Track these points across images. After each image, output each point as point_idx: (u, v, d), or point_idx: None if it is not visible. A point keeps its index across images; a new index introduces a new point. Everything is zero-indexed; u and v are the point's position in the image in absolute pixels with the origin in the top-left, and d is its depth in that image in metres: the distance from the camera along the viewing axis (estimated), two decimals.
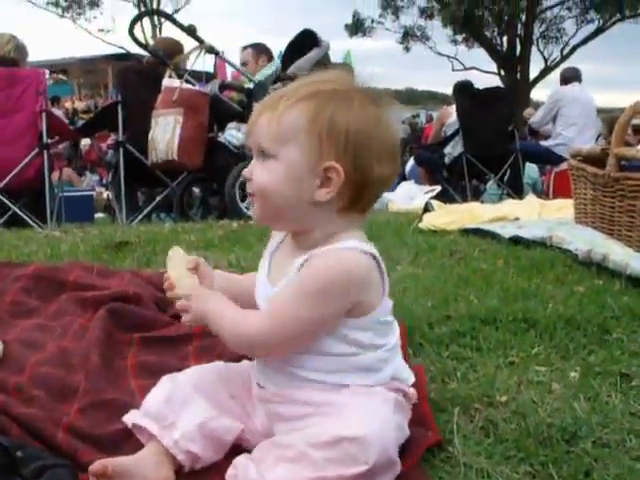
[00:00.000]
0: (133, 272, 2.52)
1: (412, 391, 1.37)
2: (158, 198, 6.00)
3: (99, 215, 8.96)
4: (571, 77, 8.09)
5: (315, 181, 1.22)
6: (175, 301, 1.35)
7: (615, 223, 2.99)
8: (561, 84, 8.23)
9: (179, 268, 1.37)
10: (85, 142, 11.78)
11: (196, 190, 6.09)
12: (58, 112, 9.46)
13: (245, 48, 6.36)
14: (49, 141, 5.57)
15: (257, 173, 1.26)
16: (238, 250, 3.21)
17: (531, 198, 5.62)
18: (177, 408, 1.28)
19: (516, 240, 3.34)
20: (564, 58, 23.58)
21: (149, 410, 1.30)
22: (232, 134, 5.83)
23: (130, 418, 1.32)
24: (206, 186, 6.03)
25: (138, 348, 1.83)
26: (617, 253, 2.67)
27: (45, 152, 5.50)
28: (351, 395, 1.24)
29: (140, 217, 5.88)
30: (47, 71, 10.52)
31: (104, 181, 10.42)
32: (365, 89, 1.30)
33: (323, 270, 1.21)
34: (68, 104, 14.94)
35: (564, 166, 7.00)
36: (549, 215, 4.26)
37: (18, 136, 5.47)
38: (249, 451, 1.25)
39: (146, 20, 25.08)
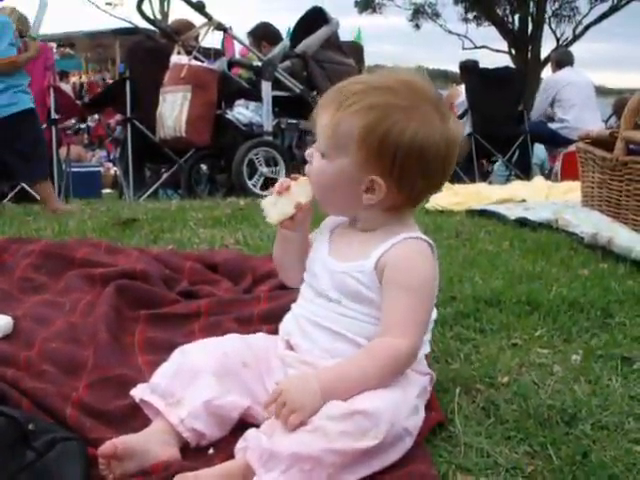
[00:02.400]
0: (140, 249, 2.54)
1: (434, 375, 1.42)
2: (165, 175, 6.02)
3: (106, 191, 8.98)
4: (564, 61, 8.04)
5: (361, 186, 1.30)
6: (264, 214, 1.40)
7: (622, 207, 2.99)
8: (554, 69, 8.18)
9: (297, 196, 1.38)
10: (93, 118, 11.78)
11: (203, 167, 6.09)
12: (66, 87, 9.45)
13: (249, 35, 6.32)
14: (57, 117, 5.58)
15: (315, 162, 1.34)
16: (245, 228, 3.24)
17: (538, 180, 5.61)
18: (184, 384, 1.30)
19: (522, 222, 3.35)
20: (576, 37, 23.26)
21: (157, 385, 1.32)
22: (240, 111, 5.81)
23: (138, 393, 1.35)
24: (214, 163, 6.03)
25: (145, 325, 1.85)
26: (623, 237, 2.67)
27: (53, 128, 5.52)
28: None
29: (147, 193, 5.90)
30: (54, 45, 10.49)
31: (111, 157, 10.42)
32: (433, 101, 1.31)
33: (415, 263, 1.31)
34: (75, 78, 14.89)
35: (572, 148, 6.98)
36: (556, 197, 4.26)
37: None
38: (256, 426, 1.27)
39: None
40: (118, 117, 7.17)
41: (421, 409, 1.30)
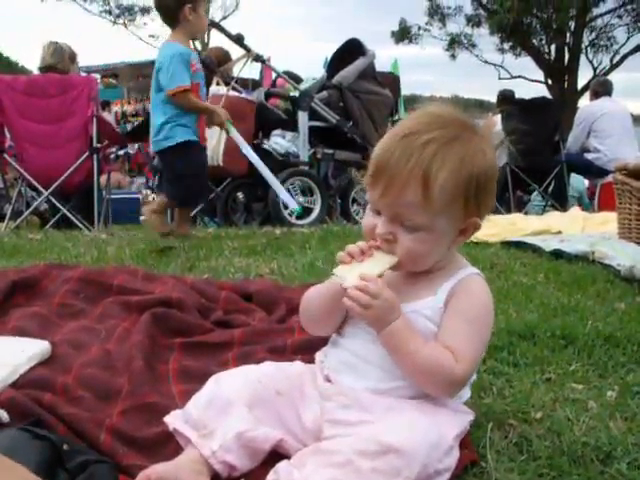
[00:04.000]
0: (177, 277, 2.58)
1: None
2: (203, 203, 6.09)
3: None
4: (601, 91, 7.99)
5: (456, 232, 1.36)
6: (346, 287, 1.31)
7: None
8: (591, 98, 8.13)
9: (381, 264, 1.34)
10: (133, 146, 12.02)
11: (240, 196, 6.16)
12: (108, 116, 9.67)
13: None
14: (99, 145, 5.71)
15: (405, 241, 1.32)
16: (280, 257, 3.26)
17: (575, 211, 5.56)
18: (217, 414, 1.31)
19: (558, 254, 3.32)
20: (614, 67, 23.13)
21: (190, 415, 1.34)
22: (277, 141, 5.89)
23: (171, 421, 1.36)
24: (250, 192, 6.10)
25: (180, 353, 1.88)
26: None
27: (95, 156, 5.65)
28: (415, 409, 1.29)
29: None
30: (98, 76, 10.76)
31: (150, 184, 10.59)
32: (473, 126, 1.37)
33: (477, 296, 1.36)
34: (117, 107, 15.23)
35: (609, 179, 6.90)
36: (592, 229, 4.22)
37: (70, 140, 5.65)
38: (286, 457, 1.28)
39: None
40: None
41: (456, 449, 1.28)
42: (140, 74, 17.73)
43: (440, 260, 1.38)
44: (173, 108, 4.06)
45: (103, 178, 6.23)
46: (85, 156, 5.60)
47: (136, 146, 12.20)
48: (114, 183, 8.43)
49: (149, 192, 10.46)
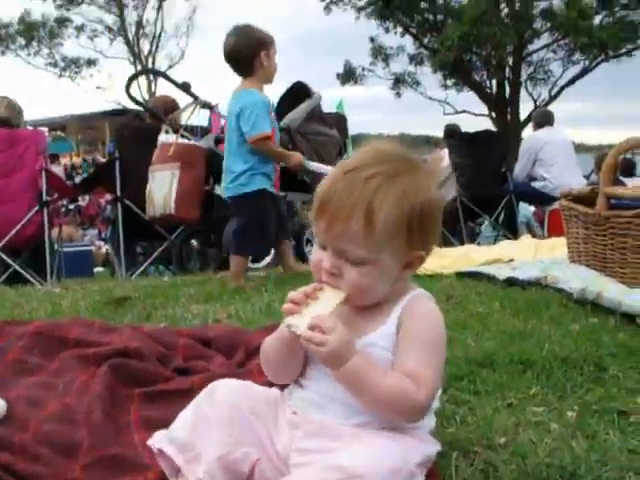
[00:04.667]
0: (134, 327, 2.54)
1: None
2: (157, 252, 6.05)
3: (98, 269, 9.00)
4: (543, 121, 8.27)
5: (401, 266, 1.35)
6: (293, 329, 1.29)
7: (608, 260, 3.03)
8: (534, 128, 8.40)
9: (330, 302, 1.32)
10: (84, 198, 11.90)
11: (194, 242, 6.13)
12: (57, 169, 9.58)
13: None
14: (48, 199, 5.65)
15: (350, 275, 1.31)
16: (237, 302, 3.24)
17: (526, 238, 5.69)
18: (201, 435, 1.31)
19: (512, 282, 3.37)
20: (552, 98, 23.96)
21: (176, 437, 1.34)
22: None
23: (157, 442, 1.36)
24: (204, 238, 6.08)
25: (140, 403, 1.84)
26: (611, 290, 2.70)
27: (45, 209, 5.58)
28: (381, 436, 1.28)
29: (139, 271, 5.92)
30: (46, 129, 10.68)
31: (103, 235, 10.48)
32: (418, 161, 1.38)
33: (426, 316, 1.36)
34: (66, 160, 15.12)
35: (556, 205, 7.09)
36: (544, 254, 4.31)
37: (19, 194, 5.58)
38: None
39: (142, 77, 25.64)
40: (108, 196, 7.26)
41: (420, 477, 1.28)
42: (88, 126, 17.69)
43: (389, 291, 1.37)
44: (254, 155, 4.13)
45: (54, 231, 6.14)
46: (35, 210, 5.53)
47: (87, 198, 12.09)
48: (66, 236, 8.32)
49: (102, 244, 10.35)
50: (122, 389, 1.90)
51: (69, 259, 6.77)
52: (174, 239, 5.83)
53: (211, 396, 1.37)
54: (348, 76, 25.48)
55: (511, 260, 4.15)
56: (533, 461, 1.44)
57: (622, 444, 1.51)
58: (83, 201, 12.32)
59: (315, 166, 4.62)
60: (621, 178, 7.35)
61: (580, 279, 2.96)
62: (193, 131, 5.94)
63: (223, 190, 4.38)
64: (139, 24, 30.69)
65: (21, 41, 29.62)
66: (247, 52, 4.15)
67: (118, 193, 5.92)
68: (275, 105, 6.83)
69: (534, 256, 4.38)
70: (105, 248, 9.18)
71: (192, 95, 5.72)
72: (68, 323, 2.53)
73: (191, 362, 2.17)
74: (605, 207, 3.02)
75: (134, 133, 6.17)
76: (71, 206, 11.68)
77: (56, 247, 6.07)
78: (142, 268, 5.96)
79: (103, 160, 13.24)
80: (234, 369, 2.09)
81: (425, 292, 1.41)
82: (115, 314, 3.08)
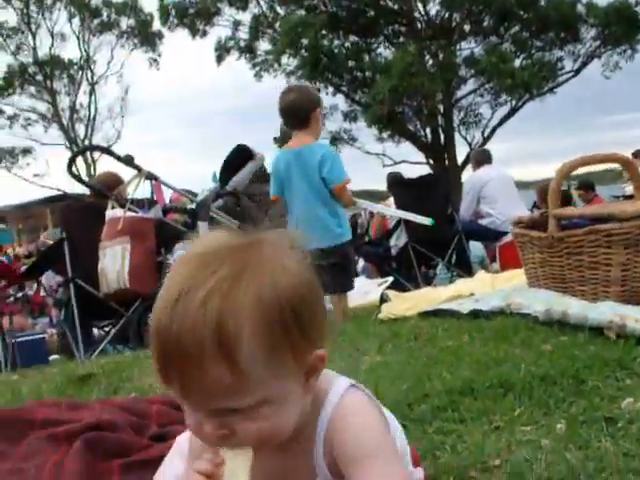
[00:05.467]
0: (103, 401, 2.46)
1: None
2: (114, 329, 5.91)
3: (54, 357, 8.72)
4: (482, 160, 8.51)
5: (302, 381, 1.06)
6: None
7: (567, 280, 3.09)
8: (474, 168, 8.63)
9: (240, 469, 1.04)
10: (31, 287, 11.60)
11: (151, 316, 6.01)
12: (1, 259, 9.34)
13: None
14: None
15: (245, 428, 1.02)
16: None
17: (481, 274, 5.75)
18: None
19: (476, 314, 3.39)
20: (486, 140, 24.73)
21: None
22: (180, 254, 5.84)
23: None
24: None
25: (120, 475, 1.76)
26: (575, 307, 2.75)
27: None
28: None
29: (98, 351, 5.76)
30: None
31: (54, 322, 10.20)
32: (268, 240, 1.06)
33: (361, 427, 1.09)
34: (10, 250, 14.80)
35: (506, 239, 7.24)
36: (502, 285, 4.36)
37: None
38: None
39: (79, 160, 25.59)
40: (58, 279, 7.09)
41: None
42: (28, 215, 17.42)
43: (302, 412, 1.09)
44: (336, 202, 4.42)
45: (5, 321, 5.96)
46: None
47: (34, 287, 11.79)
48: (17, 327, 8.07)
49: (54, 331, 10.05)
50: (100, 463, 1.82)
51: (23, 349, 6.55)
52: (131, 314, 5.70)
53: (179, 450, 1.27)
54: (284, 139, 25.81)
55: (472, 294, 4.19)
56: (531, 478, 1.42)
57: (616, 449, 1.51)
58: (31, 289, 12.01)
59: (366, 204, 5.33)
60: None
61: (543, 301, 2.99)
62: (139, 204, 5.90)
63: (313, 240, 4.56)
64: (72, 109, 30.81)
65: None
66: (306, 107, 4.43)
67: (69, 274, 5.80)
68: (216, 175, 6.88)
69: (493, 288, 4.42)
70: (58, 334, 8.92)
71: (136, 167, 5.70)
72: (33, 405, 2.42)
73: (167, 428, 2.09)
74: (557, 229, 3.09)
75: (80, 212, 6.09)
76: (19, 295, 11.37)
77: (7, 338, 5.89)
78: (101, 347, 5.80)
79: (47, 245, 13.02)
80: None
81: (344, 384, 1.13)
82: (81, 392, 2.97)
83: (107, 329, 6.26)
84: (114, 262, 5.33)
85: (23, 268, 11.14)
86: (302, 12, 23.77)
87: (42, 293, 11.14)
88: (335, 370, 1.17)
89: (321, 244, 4.32)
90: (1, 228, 16.45)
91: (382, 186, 9.30)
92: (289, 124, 4.62)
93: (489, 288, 4.48)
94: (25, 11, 29.70)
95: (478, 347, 2.72)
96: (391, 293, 4.77)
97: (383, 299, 4.60)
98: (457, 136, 24.59)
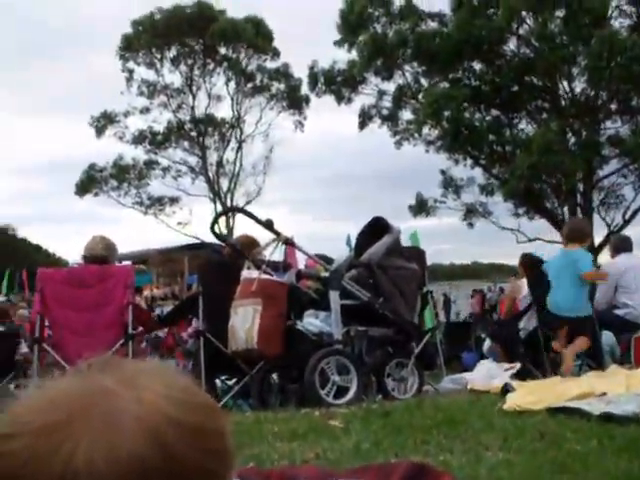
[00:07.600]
0: None
1: None
2: (237, 386, 6.09)
3: None
4: (621, 248, 8.18)
5: None
6: None
7: None
8: (612, 254, 8.29)
9: None
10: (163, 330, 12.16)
11: (274, 377, 6.15)
12: (139, 300, 9.89)
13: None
14: (134, 332, 5.83)
15: None
16: (324, 441, 3.19)
17: (615, 368, 5.48)
18: None
19: (607, 417, 3.25)
20: (626, 222, 23.68)
21: None
22: (310, 321, 5.96)
23: None
24: (285, 373, 6.09)
25: None
26: None
27: (130, 342, 5.75)
28: None
29: (220, 405, 5.94)
30: (130, 263, 11.16)
31: (180, 367, 10.60)
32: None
33: None
34: (147, 292, 15.63)
35: None
36: (637, 387, 4.14)
37: (106, 328, 5.80)
38: None
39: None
40: (190, 330, 7.42)
41: None
42: (168, 259, 18.37)
43: None
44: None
45: None
46: (120, 343, 5.70)
47: (166, 329, 12.34)
48: None
49: None
50: None
51: None
52: (255, 374, 5.86)
53: None
54: (420, 208, 25.87)
55: (604, 394, 4.00)
56: None
57: None
58: (163, 332, 12.57)
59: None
60: None
61: None
62: (275, 266, 6.11)
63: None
64: (219, 164, 32.53)
65: (113, 183, 31.82)
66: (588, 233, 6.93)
67: (201, 327, 6.07)
68: (350, 239, 7.02)
69: (627, 389, 4.21)
70: None
71: (275, 232, 5.93)
72: None
73: None
74: None
75: (217, 269, 6.40)
76: (150, 335, 11.94)
77: None
78: (223, 402, 5.98)
79: (183, 292, 13.66)
80: None
81: None
82: None
83: (230, 383, 6.46)
84: (244, 321, 5.52)
85: (157, 311, 11.76)
86: (445, 84, 24.05)
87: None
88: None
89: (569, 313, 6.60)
90: (142, 269, 17.41)
91: (512, 261, 9.10)
92: (571, 240, 6.90)
93: (623, 388, 4.26)
94: (189, 74, 31.99)
95: (609, 457, 2.61)
96: (515, 383, 4.66)
97: (506, 389, 4.49)
98: (596, 217, 23.71)
